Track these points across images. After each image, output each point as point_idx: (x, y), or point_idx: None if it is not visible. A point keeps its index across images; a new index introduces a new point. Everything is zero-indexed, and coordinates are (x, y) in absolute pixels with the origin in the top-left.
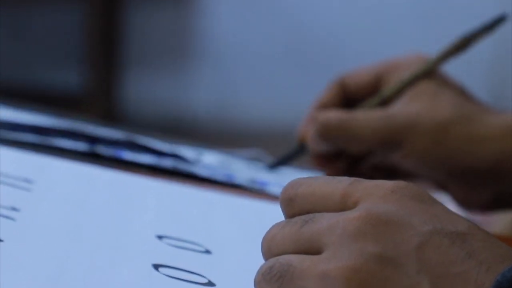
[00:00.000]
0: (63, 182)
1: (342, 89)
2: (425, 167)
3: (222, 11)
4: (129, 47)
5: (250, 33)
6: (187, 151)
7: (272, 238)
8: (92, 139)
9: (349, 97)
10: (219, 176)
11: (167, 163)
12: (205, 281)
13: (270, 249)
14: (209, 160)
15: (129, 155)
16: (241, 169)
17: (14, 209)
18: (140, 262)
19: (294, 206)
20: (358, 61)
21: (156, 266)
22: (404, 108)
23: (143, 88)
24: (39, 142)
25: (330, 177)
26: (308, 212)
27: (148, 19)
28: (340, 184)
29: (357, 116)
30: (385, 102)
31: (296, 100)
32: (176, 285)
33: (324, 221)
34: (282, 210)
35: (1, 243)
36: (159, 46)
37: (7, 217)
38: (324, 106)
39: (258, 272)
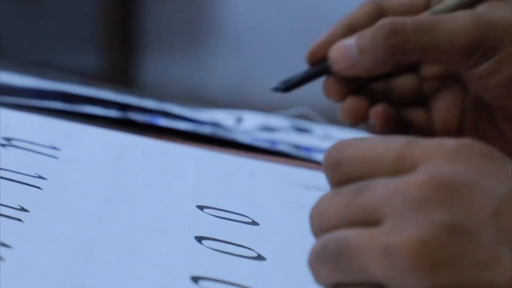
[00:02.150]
0: (94, 149)
1: (378, 12)
2: None
3: None
4: (146, 30)
5: (267, 14)
6: (225, 117)
7: (321, 213)
8: (124, 106)
9: None
10: (260, 142)
11: (205, 129)
12: (254, 254)
13: (320, 225)
14: (249, 125)
15: (164, 122)
16: (285, 133)
17: (40, 177)
18: (181, 235)
19: (341, 171)
20: None
21: (199, 239)
22: (496, 13)
23: (160, 71)
24: (67, 109)
25: (381, 137)
26: (357, 178)
27: (165, 1)
28: (393, 145)
29: (440, 17)
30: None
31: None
32: (222, 259)
33: (381, 188)
34: (326, 176)
35: (27, 213)
36: (176, 29)
37: (33, 185)
38: (355, 28)
39: (311, 251)
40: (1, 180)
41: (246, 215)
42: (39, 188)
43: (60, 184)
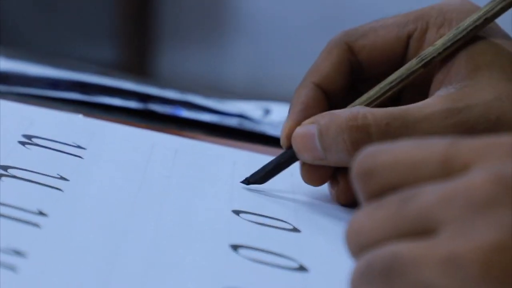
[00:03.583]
0: (121, 148)
1: (348, 57)
2: None
3: None
4: (163, 22)
5: (285, 5)
6: (252, 109)
7: (359, 229)
8: (144, 97)
9: (359, 68)
10: None
11: (231, 121)
12: (295, 265)
13: (359, 242)
14: (277, 116)
15: (187, 113)
16: None
17: (62, 178)
18: (215, 242)
19: (375, 181)
20: None
21: (235, 247)
22: (474, 94)
23: (177, 63)
24: (83, 99)
25: (417, 141)
26: (395, 187)
27: None
28: (435, 147)
29: (411, 114)
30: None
31: None
32: (260, 270)
33: (431, 194)
34: (357, 187)
35: (45, 218)
36: (193, 20)
37: (53, 187)
38: (323, 84)
39: (353, 273)
40: (19, 180)
41: (286, 221)
42: (59, 189)
43: (83, 186)
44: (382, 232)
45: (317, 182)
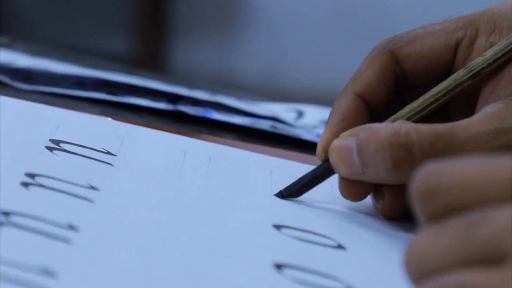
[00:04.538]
0: (154, 155)
1: (391, 66)
2: None
3: None
4: (177, 15)
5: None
6: (284, 111)
7: (422, 254)
8: (174, 97)
9: (403, 77)
10: None
11: (263, 124)
12: (341, 287)
13: (420, 268)
14: (311, 119)
15: (218, 116)
16: None
17: (92, 188)
18: (257, 261)
19: (438, 202)
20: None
21: (278, 266)
22: None
23: (191, 56)
24: (111, 99)
25: (485, 158)
26: (460, 209)
27: None
28: (503, 166)
29: (456, 133)
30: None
31: (346, 69)
32: None
33: (502, 220)
34: (418, 207)
35: (76, 232)
36: (207, 13)
37: (83, 198)
38: (365, 95)
39: None
40: (47, 190)
41: (330, 236)
42: (90, 201)
43: (114, 197)
44: (447, 259)
45: (356, 198)
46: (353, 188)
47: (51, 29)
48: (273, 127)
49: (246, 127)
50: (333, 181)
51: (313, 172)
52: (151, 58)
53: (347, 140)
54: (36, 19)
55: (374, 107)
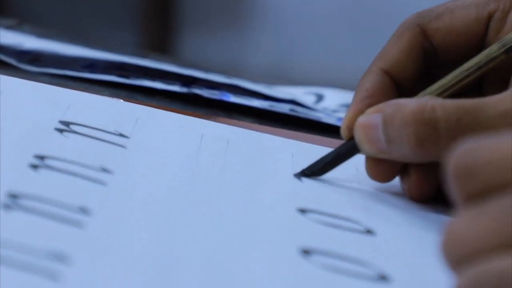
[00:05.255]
0: (169, 137)
1: (420, 41)
2: None
3: None
4: (185, 8)
5: None
6: (304, 95)
7: (461, 238)
8: (188, 80)
9: (433, 53)
10: None
11: (283, 107)
12: (372, 274)
13: (460, 253)
14: (330, 103)
15: (234, 99)
16: None
17: (105, 170)
18: (282, 247)
19: (477, 181)
20: None
21: (305, 253)
22: None
23: (199, 50)
24: (123, 82)
25: None
26: (500, 188)
27: None
28: None
29: (484, 110)
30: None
31: (356, 63)
32: (335, 280)
33: None
34: (454, 187)
35: (88, 216)
36: (215, 7)
37: (96, 181)
38: (392, 71)
39: None
40: (57, 173)
41: (357, 220)
42: (103, 184)
43: (128, 180)
44: (488, 242)
45: (383, 178)
46: (380, 168)
47: (58, 22)
48: (293, 110)
49: (264, 110)
50: (357, 163)
51: (337, 150)
52: (159, 52)
53: (372, 116)
54: (42, 11)
55: (401, 83)
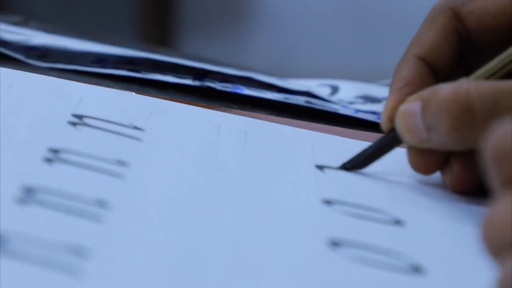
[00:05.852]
0: (185, 130)
1: (454, 25)
2: None
3: None
4: (183, 11)
5: None
6: (318, 87)
7: (502, 225)
8: (200, 73)
9: (467, 37)
10: (364, 115)
11: (298, 100)
12: (405, 265)
13: (501, 241)
14: (346, 95)
15: (248, 91)
16: None
17: (121, 163)
18: (309, 240)
19: None
20: (416, 20)
21: (334, 244)
22: None
23: (198, 51)
24: (134, 76)
25: None
26: None
27: None
28: None
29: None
30: None
31: (356, 63)
32: (365, 272)
33: None
34: (492, 173)
35: (106, 211)
36: (214, 9)
37: (113, 174)
38: (428, 57)
39: (500, 282)
40: (72, 167)
41: (385, 210)
42: (120, 177)
43: (146, 173)
44: None
45: (428, 170)
46: (423, 159)
47: (57, 21)
48: (308, 102)
49: (279, 102)
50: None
51: (378, 142)
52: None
53: (412, 104)
54: (39, 14)
55: (438, 70)
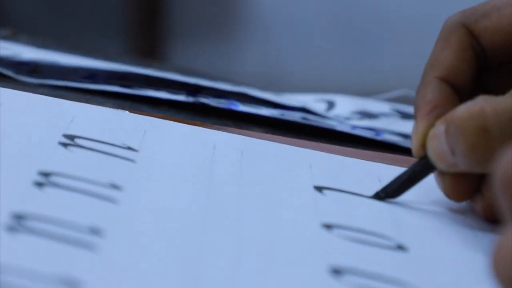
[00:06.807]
0: (180, 150)
1: (469, 42)
2: None
3: None
4: (173, 18)
5: (298, 2)
6: (314, 102)
7: (510, 255)
8: (194, 89)
9: (481, 54)
10: (361, 131)
11: (294, 116)
12: None
13: (510, 272)
14: (342, 110)
15: (243, 108)
16: (387, 119)
17: (114, 186)
18: (309, 266)
19: None
20: (413, 32)
21: (335, 272)
22: None
23: (188, 60)
24: (126, 92)
25: None
26: None
27: None
28: None
29: None
30: None
31: (346, 73)
32: None
33: None
34: (501, 200)
35: (100, 238)
36: (204, 17)
37: (105, 198)
38: (449, 78)
39: None
40: (64, 191)
41: (388, 236)
42: (113, 201)
43: (140, 195)
44: None
45: (460, 196)
46: (454, 185)
47: (46, 32)
48: (305, 118)
49: (275, 119)
50: (381, 173)
51: (411, 169)
52: (148, 61)
53: (438, 128)
54: (29, 21)
55: (461, 90)
